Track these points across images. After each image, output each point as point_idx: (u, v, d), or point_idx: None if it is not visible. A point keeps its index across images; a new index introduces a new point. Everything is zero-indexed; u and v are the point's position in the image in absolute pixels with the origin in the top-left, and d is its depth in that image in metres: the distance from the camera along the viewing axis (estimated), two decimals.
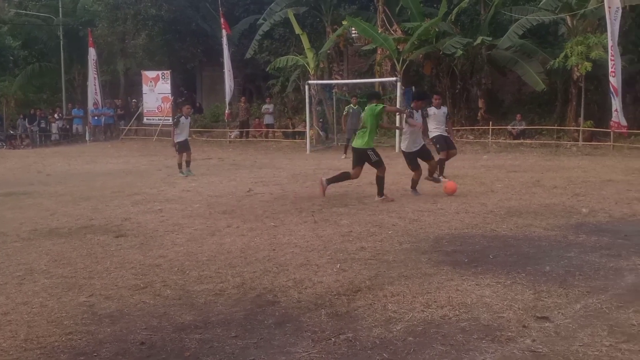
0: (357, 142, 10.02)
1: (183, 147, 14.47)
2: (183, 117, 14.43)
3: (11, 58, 33.26)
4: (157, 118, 28.12)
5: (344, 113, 18.79)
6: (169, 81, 27.82)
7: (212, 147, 23.88)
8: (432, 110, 11.54)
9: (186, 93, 32.83)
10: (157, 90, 28.02)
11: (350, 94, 22.19)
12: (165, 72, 28.05)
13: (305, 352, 4.02)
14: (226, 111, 26.28)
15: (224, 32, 25.33)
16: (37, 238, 7.72)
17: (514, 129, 20.90)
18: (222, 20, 25.32)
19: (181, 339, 4.32)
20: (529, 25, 20.23)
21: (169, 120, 27.33)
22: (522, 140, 20.40)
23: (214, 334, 4.40)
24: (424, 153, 10.38)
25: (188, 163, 14.62)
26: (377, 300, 4.97)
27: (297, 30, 23.08)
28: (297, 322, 4.56)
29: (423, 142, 10.46)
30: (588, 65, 17.79)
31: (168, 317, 4.75)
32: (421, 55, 22.18)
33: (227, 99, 25.98)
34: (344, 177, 10.37)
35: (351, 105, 18.04)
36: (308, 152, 20.29)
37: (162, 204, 10.20)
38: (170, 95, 27.87)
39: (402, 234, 7.36)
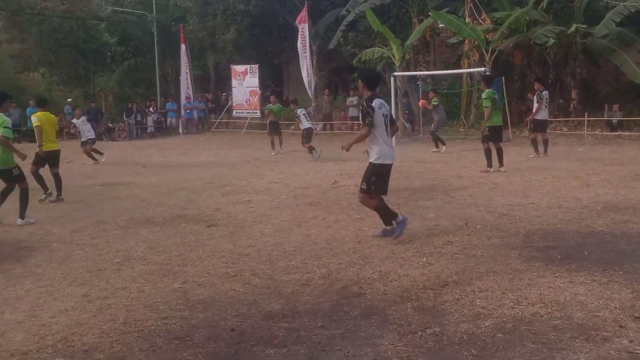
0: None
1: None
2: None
3: (109, 54, 34.86)
4: (246, 111, 28.82)
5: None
6: (257, 75, 28.42)
7: (298, 140, 24.11)
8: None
9: (273, 86, 33.33)
10: (245, 84, 28.70)
11: (435, 87, 21.84)
12: (253, 66, 28.65)
13: (391, 345, 4.02)
14: (312, 104, 26.54)
15: (303, 26, 25.55)
16: (134, 226, 8.10)
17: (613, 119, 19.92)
18: (302, 13, 25.54)
19: (270, 327, 4.43)
20: (626, 12, 19.14)
21: (257, 113, 27.97)
22: (620, 132, 19.40)
23: (301, 323, 4.48)
24: None
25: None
26: (464, 295, 4.90)
27: (377, 27, 22.84)
28: (383, 315, 4.57)
29: None
30: None
31: (257, 305, 4.88)
32: (511, 45, 21.49)
33: (309, 92, 26.24)
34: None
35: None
36: (394, 144, 20.14)
37: (250, 195, 10.44)
38: (258, 88, 28.45)
39: (491, 229, 7.19)
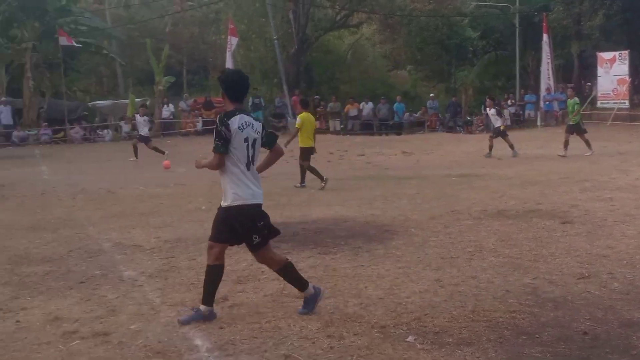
0: None
1: None
2: None
3: (470, 49, 35.70)
4: (612, 102, 26.57)
5: None
6: (626, 62, 25.93)
7: None
8: None
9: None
10: (612, 72, 26.46)
11: None
12: (622, 52, 26.21)
13: None
14: None
15: None
16: (486, 218, 8.21)
17: None
18: None
19: (627, 335, 4.09)
20: None
21: (625, 103, 25.65)
22: None
23: None
24: None
25: None
26: None
27: None
28: None
29: None
30: None
31: (614, 311, 4.55)
32: None
33: None
34: None
35: None
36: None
37: (612, 192, 9.67)
38: (627, 76, 25.95)
39: None
